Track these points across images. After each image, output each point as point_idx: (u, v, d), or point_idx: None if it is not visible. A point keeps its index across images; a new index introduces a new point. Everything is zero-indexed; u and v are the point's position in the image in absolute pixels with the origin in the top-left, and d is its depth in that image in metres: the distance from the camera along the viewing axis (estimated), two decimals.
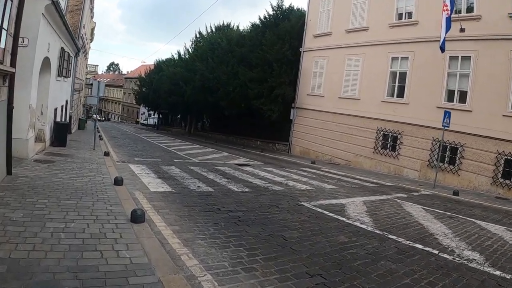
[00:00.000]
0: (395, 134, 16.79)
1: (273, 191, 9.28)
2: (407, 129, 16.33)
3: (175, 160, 13.76)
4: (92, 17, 35.53)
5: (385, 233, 6.15)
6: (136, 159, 13.14)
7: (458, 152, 14.52)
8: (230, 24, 36.41)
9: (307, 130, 21.83)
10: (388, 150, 17.08)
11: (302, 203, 8.10)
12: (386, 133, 17.21)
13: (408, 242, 5.73)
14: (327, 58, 20.83)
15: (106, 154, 12.63)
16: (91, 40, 41.97)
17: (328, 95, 20.58)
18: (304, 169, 15.11)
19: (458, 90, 14.83)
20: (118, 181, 7.72)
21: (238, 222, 5.98)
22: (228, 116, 31.62)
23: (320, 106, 20.98)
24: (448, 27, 13.31)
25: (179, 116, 51.59)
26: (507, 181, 13.03)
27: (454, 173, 14.56)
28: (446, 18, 13.28)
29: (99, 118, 70.53)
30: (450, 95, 15.15)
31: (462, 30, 13.97)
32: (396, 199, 9.72)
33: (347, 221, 6.75)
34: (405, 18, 16.97)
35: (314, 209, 7.54)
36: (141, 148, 17.64)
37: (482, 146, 13.85)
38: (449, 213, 8.49)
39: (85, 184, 7.39)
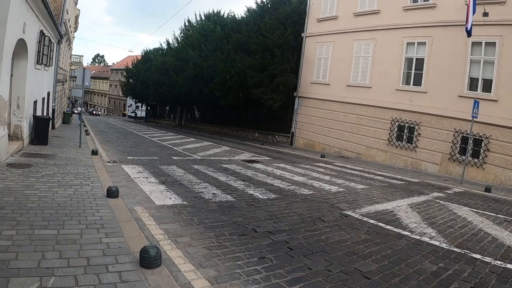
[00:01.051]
0: (411, 125, 15.21)
1: (302, 196, 7.61)
2: (425, 119, 14.77)
3: (174, 158, 11.90)
4: (76, 4, 32.85)
5: (465, 251, 4.92)
6: (129, 157, 11.21)
7: (483, 144, 13.11)
8: (220, 11, 34.26)
9: (312, 120, 20.08)
10: (404, 142, 15.51)
11: (347, 212, 6.53)
12: (401, 123, 15.61)
13: (499, 262, 4.57)
14: (332, 43, 19.03)
15: (94, 152, 10.65)
16: (75, 29, 39.13)
17: (335, 83, 18.84)
18: (317, 164, 13.47)
19: (482, 78, 13.36)
20: (112, 192, 5.89)
21: (290, 252, 4.28)
22: (222, 106, 29.74)
23: (326, 95, 19.26)
24: (474, 9, 11.82)
25: (167, 108, 49.25)
26: None
27: (478, 167, 13.14)
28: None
29: (95, 112, 67.21)
30: (472, 84, 13.66)
31: (485, 14, 12.60)
32: (437, 200, 8.47)
33: (413, 236, 5.39)
34: (421, 1, 15.25)
35: (366, 221, 6.01)
36: (133, 144, 15.69)
37: (509, 138, 12.56)
38: (502, 216, 7.37)
39: (69, 198, 5.55)
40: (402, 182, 10.91)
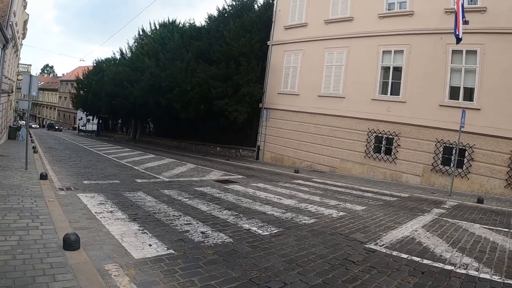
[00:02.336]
0: (390, 136, 14.11)
1: (307, 226, 5.94)
2: (404, 130, 13.73)
3: (138, 181, 9.64)
4: (25, 7, 29.21)
5: None
6: (85, 182, 8.83)
7: (467, 154, 12.27)
8: (176, 20, 32.18)
9: (280, 133, 18.44)
10: (382, 154, 14.35)
11: (369, 245, 5.17)
12: (379, 135, 14.48)
13: None
14: (302, 51, 17.68)
15: (43, 176, 8.22)
16: (24, 35, 35.04)
17: (305, 94, 17.41)
18: (296, 181, 11.82)
19: (463, 87, 12.62)
20: (71, 243, 3.90)
21: None
22: (179, 119, 27.54)
23: (295, 106, 17.77)
24: (463, 16, 11.03)
25: (120, 121, 45.86)
26: None
27: (463, 177, 12.26)
28: (462, 5, 10.95)
29: (57, 127, 60.33)
30: (454, 92, 12.86)
31: (465, 22, 11.80)
32: (443, 218, 7.41)
33: (458, 270, 4.33)
34: (397, 8, 14.36)
35: (398, 256, 4.74)
36: (87, 163, 13.13)
37: (493, 146, 11.88)
38: None
39: (10, 256, 3.57)
40: (395, 198, 9.67)
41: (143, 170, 12.04)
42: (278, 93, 18.84)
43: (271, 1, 20.17)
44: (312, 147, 16.85)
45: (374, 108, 14.57)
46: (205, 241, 4.73)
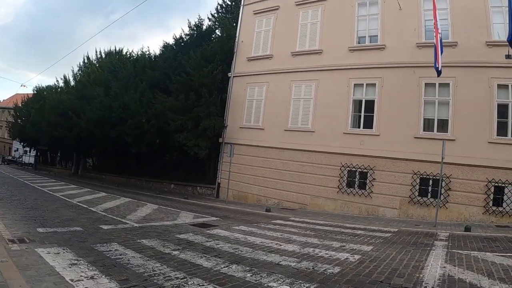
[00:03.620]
0: (364, 170, 13.30)
1: (339, 277, 4.83)
2: (379, 163, 13.04)
3: (104, 228, 7.54)
4: None
5: None
6: (40, 230, 6.63)
7: (444, 184, 11.89)
8: (122, 50, 30.15)
9: (242, 169, 16.72)
10: (356, 188, 13.43)
11: None
12: (352, 169, 13.60)
13: None
14: (266, 84, 16.65)
15: None
16: None
17: (270, 128, 16.15)
18: (276, 221, 10.36)
19: (437, 119, 12.39)
20: None
21: None
22: (127, 153, 25.17)
23: (259, 141, 16.37)
24: (441, 49, 10.87)
25: (59, 154, 41.62)
26: (500, 208, 11.21)
27: (441, 207, 11.68)
28: (440, 39, 10.79)
29: (19, 160, 52.07)
30: (428, 124, 12.57)
31: None
32: (454, 251, 6.75)
33: None
34: (368, 42, 14.06)
35: None
36: (34, 203, 10.57)
37: (470, 175, 11.74)
38: None
39: None
40: (389, 234, 8.85)
41: (102, 213, 9.84)
42: (240, 127, 17.37)
43: (232, 32, 19.18)
44: (280, 183, 15.48)
45: (347, 142, 13.78)
46: None
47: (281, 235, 8.05)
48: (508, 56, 10.42)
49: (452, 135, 11.97)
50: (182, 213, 11.32)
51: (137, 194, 17.22)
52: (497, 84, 11.59)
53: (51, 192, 14.46)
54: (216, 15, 23.64)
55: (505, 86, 11.56)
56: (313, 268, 5.14)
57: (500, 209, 11.17)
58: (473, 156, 11.58)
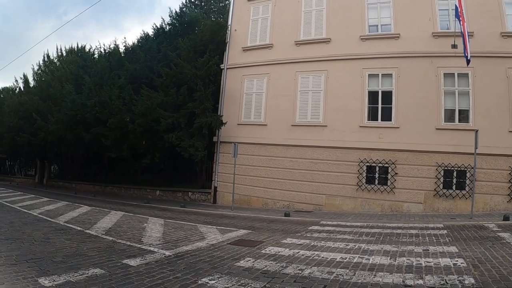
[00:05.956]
0: (385, 165, 12.69)
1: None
2: (400, 157, 12.49)
3: (131, 263, 5.51)
4: None
5: None
6: (47, 284, 4.36)
7: (469, 175, 11.71)
8: (85, 47, 27.06)
9: (243, 171, 15.20)
10: (377, 184, 12.81)
11: None
12: (371, 164, 12.91)
13: None
14: (267, 76, 15.36)
15: None
16: None
17: (274, 124, 14.90)
18: (312, 228, 9.26)
19: (458, 109, 12.11)
20: None
21: None
22: (100, 159, 22.73)
23: (262, 138, 15.08)
24: (468, 38, 10.47)
25: (18, 162, 37.13)
26: None
27: (467, 198, 11.49)
28: (466, 27, 10.43)
29: None
30: (449, 115, 12.22)
31: (454, 46, 11.42)
32: None
33: None
34: (380, 31, 13.36)
35: None
36: (12, 230, 8.07)
37: (493, 165, 11.66)
38: None
39: None
40: (444, 231, 8.22)
41: (108, 237, 7.72)
42: (238, 124, 15.91)
43: (222, 20, 17.58)
44: (289, 184, 14.37)
45: (364, 136, 13.05)
46: None
47: (346, 245, 6.97)
48: None
49: (474, 125, 11.70)
50: (202, 227, 9.65)
51: (124, 205, 15.07)
52: None
53: (25, 210, 11.95)
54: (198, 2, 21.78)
55: None
56: (446, 282, 4.38)
57: None
58: (495, 145, 11.42)
